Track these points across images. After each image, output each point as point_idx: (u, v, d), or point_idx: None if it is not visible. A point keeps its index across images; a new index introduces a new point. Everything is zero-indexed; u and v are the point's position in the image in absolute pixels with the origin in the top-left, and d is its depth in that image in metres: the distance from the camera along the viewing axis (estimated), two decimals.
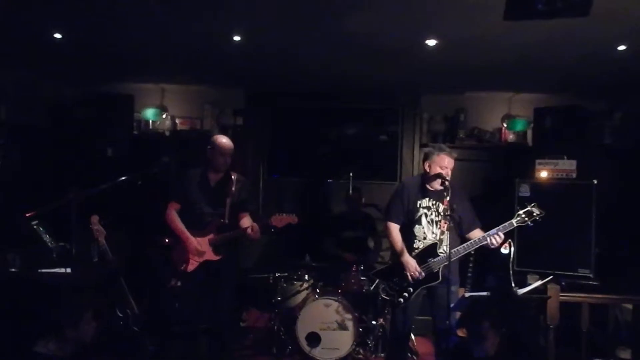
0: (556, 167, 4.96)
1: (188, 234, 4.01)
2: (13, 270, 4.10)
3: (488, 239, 3.66)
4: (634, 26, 3.91)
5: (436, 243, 3.82)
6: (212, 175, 4.12)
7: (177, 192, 4.16)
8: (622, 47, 4.43)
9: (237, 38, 4.54)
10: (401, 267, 3.83)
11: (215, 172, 4.12)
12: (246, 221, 4.13)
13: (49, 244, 4.16)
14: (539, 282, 3.79)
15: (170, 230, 4.11)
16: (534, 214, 3.64)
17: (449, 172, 3.82)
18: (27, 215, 3.90)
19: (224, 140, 4.10)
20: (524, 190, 4.66)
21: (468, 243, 3.75)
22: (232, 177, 4.13)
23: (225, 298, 4.09)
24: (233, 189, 4.07)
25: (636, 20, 3.79)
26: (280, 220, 3.96)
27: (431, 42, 4.48)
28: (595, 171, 4.77)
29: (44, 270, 4.03)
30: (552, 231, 4.33)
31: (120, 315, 4.07)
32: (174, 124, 6.64)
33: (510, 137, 6.42)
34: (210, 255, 4.00)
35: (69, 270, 3.90)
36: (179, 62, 5.60)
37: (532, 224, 3.65)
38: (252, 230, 3.93)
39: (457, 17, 3.91)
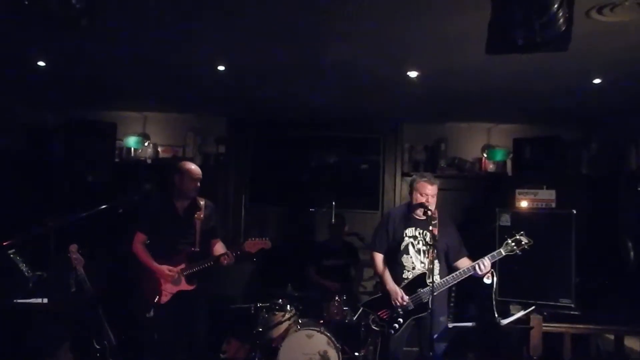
0: (536, 196, 5.04)
1: (157, 265, 3.88)
2: None
3: (476, 267, 3.65)
4: (608, 61, 4.04)
5: (425, 273, 3.78)
6: (179, 203, 4.01)
7: (144, 222, 4.03)
8: (597, 80, 4.57)
9: (221, 68, 4.56)
10: (389, 297, 3.81)
11: (183, 199, 4.00)
12: (219, 248, 4.06)
13: (26, 273, 4.07)
14: (522, 312, 3.78)
15: (138, 262, 3.97)
16: (523, 243, 3.65)
17: (430, 199, 3.83)
18: (3, 244, 3.81)
19: (193, 166, 4.04)
20: (505, 220, 4.68)
21: (456, 273, 3.74)
22: (200, 202, 4.04)
23: (201, 328, 4.00)
24: (202, 215, 3.98)
25: (610, 55, 3.91)
26: (254, 245, 3.92)
27: (413, 74, 4.55)
28: (574, 200, 4.84)
29: (19, 301, 3.93)
30: (533, 261, 4.33)
31: (98, 346, 3.96)
32: (156, 151, 6.62)
33: (490, 166, 6.51)
34: (183, 286, 3.90)
35: (45, 300, 3.81)
36: (162, 90, 5.60)
37: (520, 253, 3.66)
38: (226, 257, 3.87)
39: (438, 49, 3.99)
